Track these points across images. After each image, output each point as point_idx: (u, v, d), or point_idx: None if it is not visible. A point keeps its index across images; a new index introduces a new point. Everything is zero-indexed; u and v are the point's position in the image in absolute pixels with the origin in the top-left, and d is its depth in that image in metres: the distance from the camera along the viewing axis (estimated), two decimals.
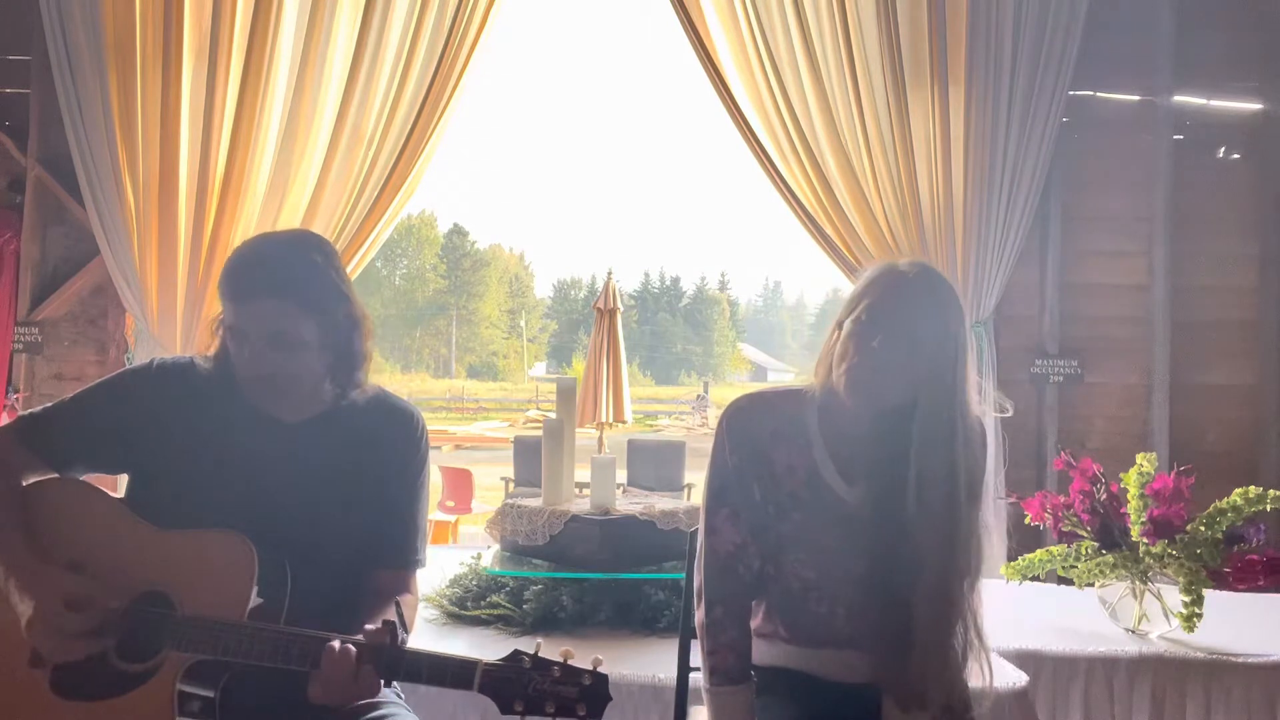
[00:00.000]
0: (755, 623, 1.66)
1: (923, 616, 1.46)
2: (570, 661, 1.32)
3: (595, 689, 1.31)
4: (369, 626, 1.37)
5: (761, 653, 1.66)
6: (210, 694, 1.42)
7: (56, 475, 1.58)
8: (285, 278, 1.50)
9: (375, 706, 1.52)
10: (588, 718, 1.30)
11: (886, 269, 1.52)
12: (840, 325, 1.52)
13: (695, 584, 1.62)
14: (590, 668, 1.32)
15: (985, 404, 3.62)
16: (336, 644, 1.34)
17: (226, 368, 1.57)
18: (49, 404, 1.63)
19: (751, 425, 1.58)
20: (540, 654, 1.33)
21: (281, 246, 1.57)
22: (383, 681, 1.36)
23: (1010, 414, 3.72)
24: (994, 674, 1.54)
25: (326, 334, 1.54)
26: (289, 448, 1.57)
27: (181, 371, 1.63)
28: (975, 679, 1.52)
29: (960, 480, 1.46)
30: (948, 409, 1.46)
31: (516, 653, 1.33)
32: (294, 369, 1.53)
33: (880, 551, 1.49)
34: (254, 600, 1.41)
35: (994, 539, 3.66)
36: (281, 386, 1.54)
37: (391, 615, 1.39)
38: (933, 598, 1.46)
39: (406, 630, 1.45)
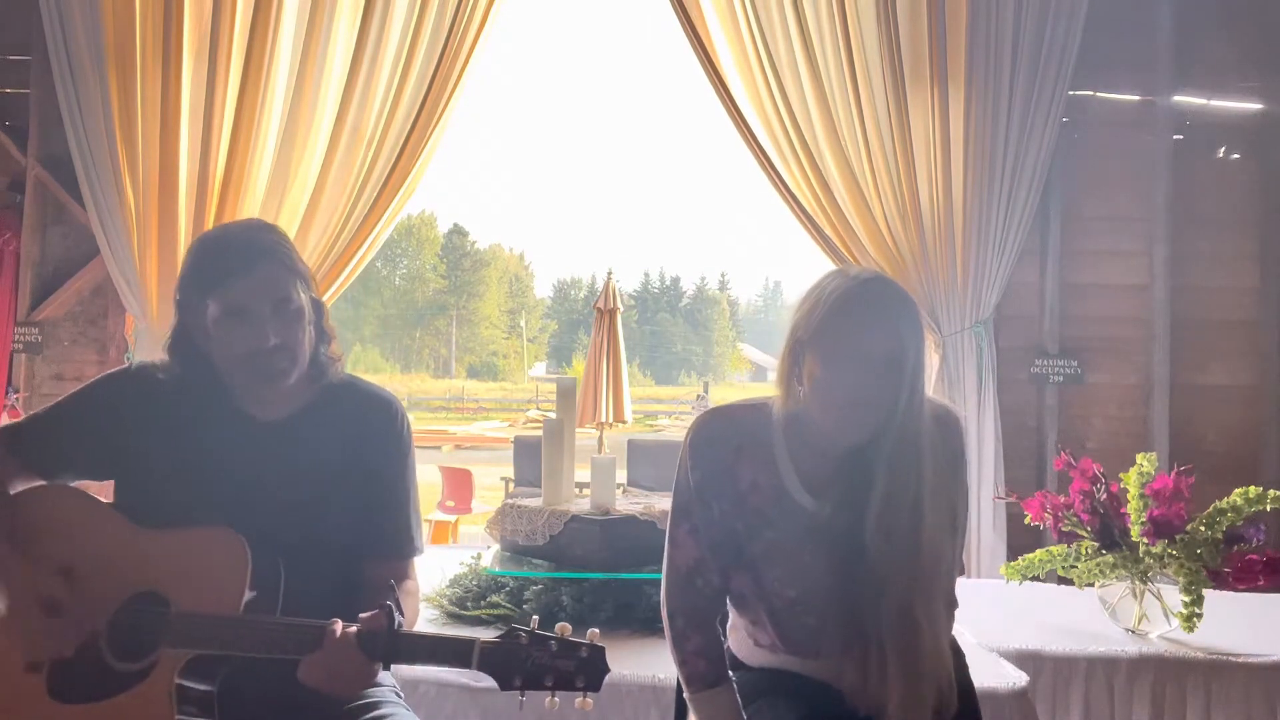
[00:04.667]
0: (753, 633, 1.64)
1: (891, 629, 1.44)
2: (567, 636, 1.33)
3: (593, 661, 1.31)
4: (364, 615, 1.37)
5: (761, 658, 1.65)
6: (209, 689, 1.42)
7: (45, 483, 1.57)
8: (275, 247, 1.53)
9: (375, 706, 1.52)
10: (586, 690, 1.31)
11: (841, 292, 1.42)
12: (796, 345, 1.45)
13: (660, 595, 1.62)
14: (587, 640, 1.32)
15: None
16: (339, 626, 1.35)
17: (201, 368, 1.56)
18: (34, 412, 1.63)
19: (714, 442, 1.55)
20: (537, 629, 1.34)
21: (250, 229, 1.60)
22: (381, 666, 1.36)
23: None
24: (964, 673, 1.56)
25: (309, 306, 1.56)
26: (272, 444, 1.56)
27: (161, 373, 1.61)
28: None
29: (925, 493, 1.44)
30: (914, 425, 1.42)
31: (513, 628, 1.34)
32: (295, 338, 1.53)
33: (852, 564, 1.47)
34: (248, 595, 1.41)
35: (990, 538, 3.68)
36: (282, 363, 1.52)
37: (388, 599, 1.39)
38: (899, 610, 1.43)
39: (403, 614, 1.44)
